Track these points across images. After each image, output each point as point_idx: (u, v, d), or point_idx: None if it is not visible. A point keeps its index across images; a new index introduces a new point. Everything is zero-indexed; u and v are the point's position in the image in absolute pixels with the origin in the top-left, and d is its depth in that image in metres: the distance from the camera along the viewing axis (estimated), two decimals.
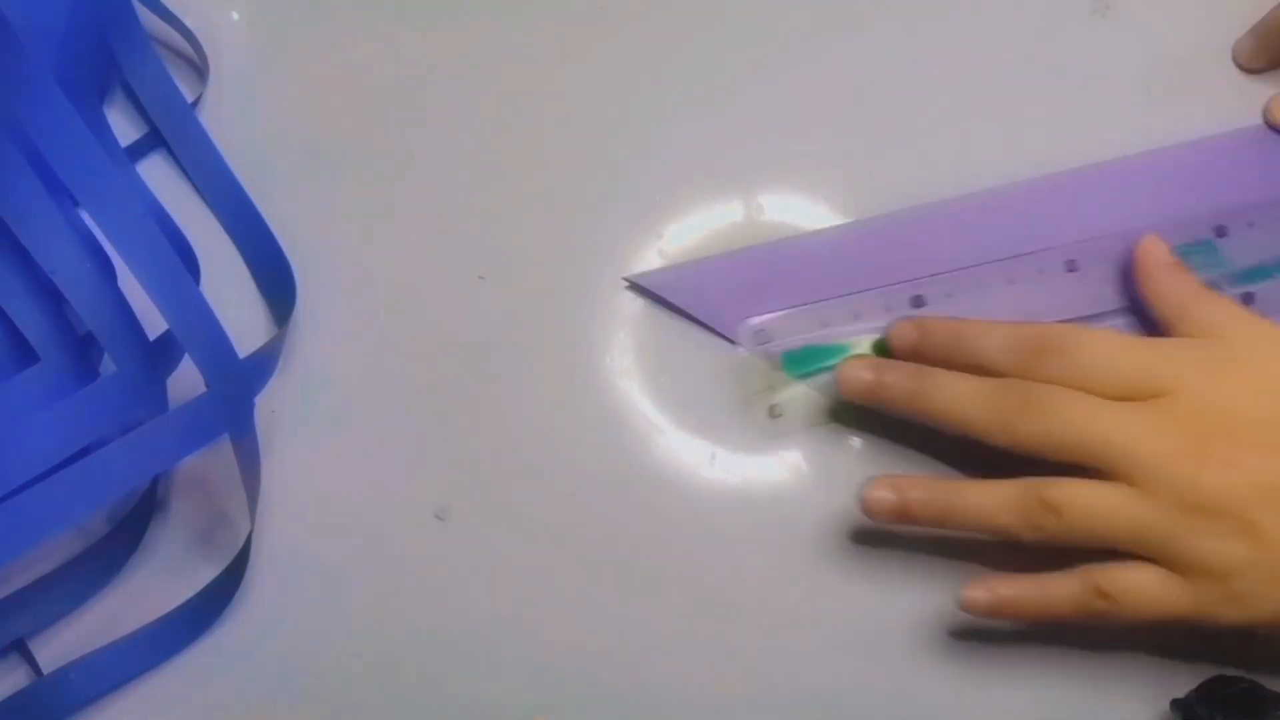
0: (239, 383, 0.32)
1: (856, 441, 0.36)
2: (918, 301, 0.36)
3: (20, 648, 0.34)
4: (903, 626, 0.34)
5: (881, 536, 0.35)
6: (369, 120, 0.39)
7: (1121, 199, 0.37)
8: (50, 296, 0.34)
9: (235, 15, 0.41)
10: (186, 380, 0.35)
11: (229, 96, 0.40)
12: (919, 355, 0.34)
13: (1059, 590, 0.31)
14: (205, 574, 0.34)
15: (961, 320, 0.34)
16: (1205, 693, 0.31)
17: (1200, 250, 0.36)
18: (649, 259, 0.38)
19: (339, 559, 0.35)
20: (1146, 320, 0.35)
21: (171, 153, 0.39)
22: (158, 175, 0.39)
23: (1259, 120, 0.38)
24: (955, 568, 0.34)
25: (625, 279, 0.37)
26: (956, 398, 0.32)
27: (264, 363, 0.34)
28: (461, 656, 0.34)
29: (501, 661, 0.34)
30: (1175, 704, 0.32)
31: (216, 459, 0.35)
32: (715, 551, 0.35)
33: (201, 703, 0.34)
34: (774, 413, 0.36)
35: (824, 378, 0.36)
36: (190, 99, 0.39)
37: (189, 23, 0.40)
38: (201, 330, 0.31)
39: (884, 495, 0.32)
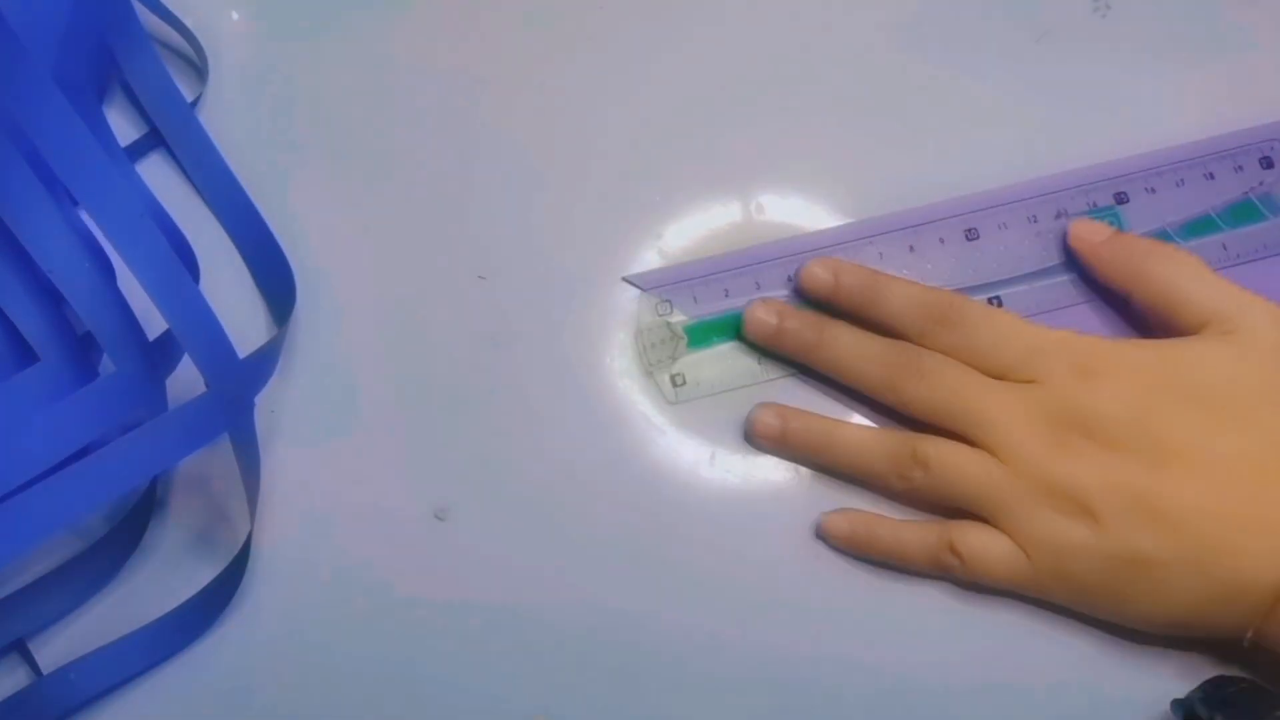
0: (239, 383, 0.32)
1: None
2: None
3: (20, 648, 0.34)
4: (903, 626, 0.34)
5: None
6: (369, 120, 0.39)
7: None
8: (50, 296, 0.34)
9: (235, 15, 0.41)
10: (186, 380, 0.35)
11: (229, 96, 0.40)
12: (829, 299, 0.35)
13: (915, 537, 0.34)
14: (205, 574, 0.34)
15: (873, 271, 0.36)
16: (1205, 693, 0.31)
17: (1103, 217, 0.37)
18: (649, 259, 0.38)
19: (339, 559, 0.35)
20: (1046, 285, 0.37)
21: (171, 153, 0.39)
22: (158, 175, 0.39)
23: (1251, 124, 0.38)
24: None
25: (625, 279, 0.37)
26: (851, 354, 0.35)
27: (264, 363, 0.34)
28: (461, 656, 0.34)
29: (501, 661, 0.34)
30: (1175, 704, 0.32)
31: (216, 459, 0.35)
32: (715, 551, 0.35)
33: (201, 703, 0.34)
34: (676, 381, 0.36)
35: (724, 347, 0.36)
36: (190, 99, 0.39)
37: (189, 23, 0.40)
38: (201, 330, 0.31)
39: (769, 419, 0.35)
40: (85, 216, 0.35)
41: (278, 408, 0.36)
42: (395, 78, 0.40)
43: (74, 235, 0.32)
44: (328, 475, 0.36)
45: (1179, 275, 0.34)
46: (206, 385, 0.31)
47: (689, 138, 0.39)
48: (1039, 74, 0.39)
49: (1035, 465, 0.32)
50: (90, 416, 0.31)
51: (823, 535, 0.35)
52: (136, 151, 0.39)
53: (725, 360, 0.36)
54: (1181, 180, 0.37)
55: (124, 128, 0.39)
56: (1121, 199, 0.37)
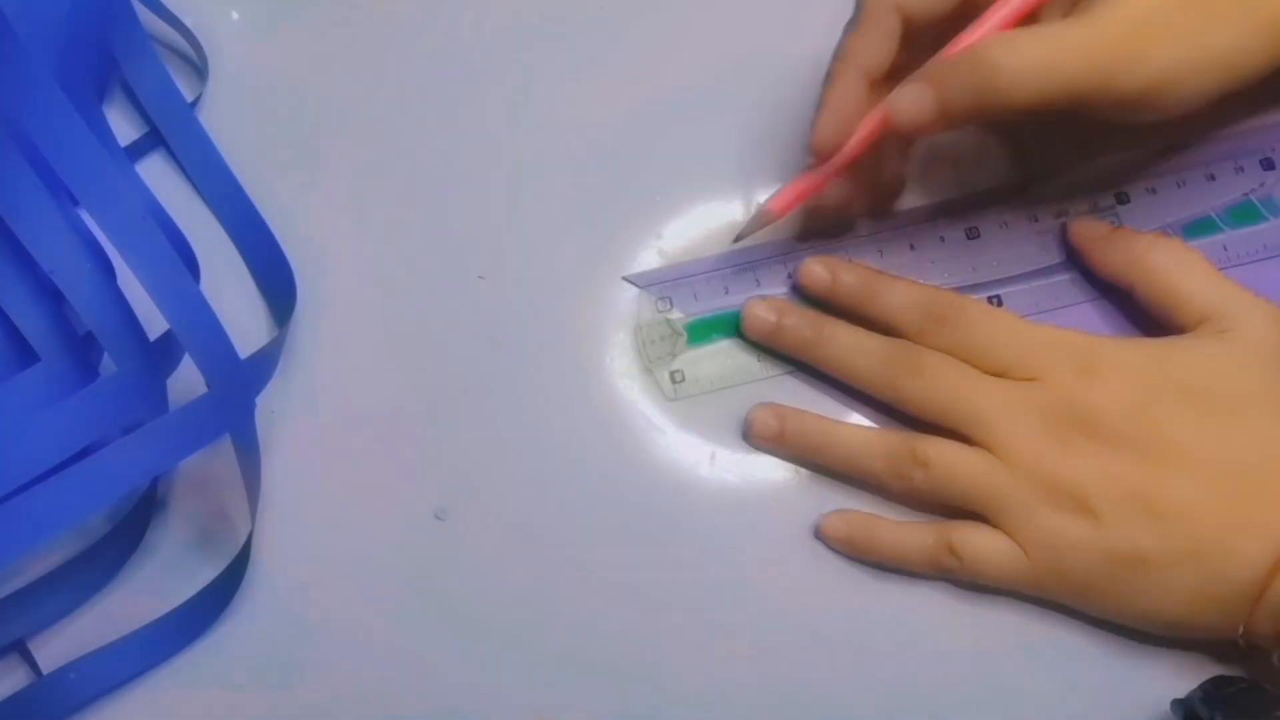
0: (240, 383, 0.32)
1: None
2: None
3: (20, 648, 0.34)
4: (902, 625, 0.34)
5: None
6: (369, 120, 0.39)
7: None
8: (50, 296, 0.34)
9: (235, 15, 0.41)
10: (187, 380, 0.35)
11: (229, 96, 0.40)
12: (828, 297, 0.35)
13: (913, 539, 0.34)
14: (205, 574, 0.34)
15: (872, 269, 0.36)
16: (1205, 693, 0.31)
17: (1103, 217, 0.37)
18: (649, 258, 0.38)
19: (339, 559, 0.35)
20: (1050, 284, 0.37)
21: (171, 153, 0.39)
22: (158, 175, 0.39)
23: (1252, 125, 0.38)
24: None
25: (625, 278, 0.37)
26: (850, 351, 0.35)
27: (264, 363, 0.34)
28: (461, 656, 0.34)
29: (501, 661, 0.34)
30: (1175, 704, 0.32)
31: (217, 459, 0.35)
32: (715, 551, 0.35)
33: (201, 703, 0.34)
34: (675, 378, 0.36)
35: (723, 344, 0.37)
36: (190, 99, 0.39)
37: (189, 23, 0.40)
38: (202, 330, 0.31)
39: (766, 419, 0.35)
40: (86, 216, 0.34)
41: (278, 408, 0.36)
42: (395, 77, 0.40)
43: (75, 235, 0.32)
44: (328, 475, 0.36)
45: (1179, 270, 0.34)
46: (208, 385, 0.31)
47: (689, 137, 0.39)
48: None
49: (1034, 463, 0.32)
50: (91, 417, 0.31)
51: (821, 537, 0.35)
52: (136, 151, 0.39)
53: (725, 357, 0.36)
54: (1182, 181, 0.37)
55: (124, 128, 0.39)
56: (1122, 198, 0.37)
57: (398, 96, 0.39)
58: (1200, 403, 0.32)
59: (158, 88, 0.39)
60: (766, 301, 0.36)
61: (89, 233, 0.34)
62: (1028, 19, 0.32)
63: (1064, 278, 0.36)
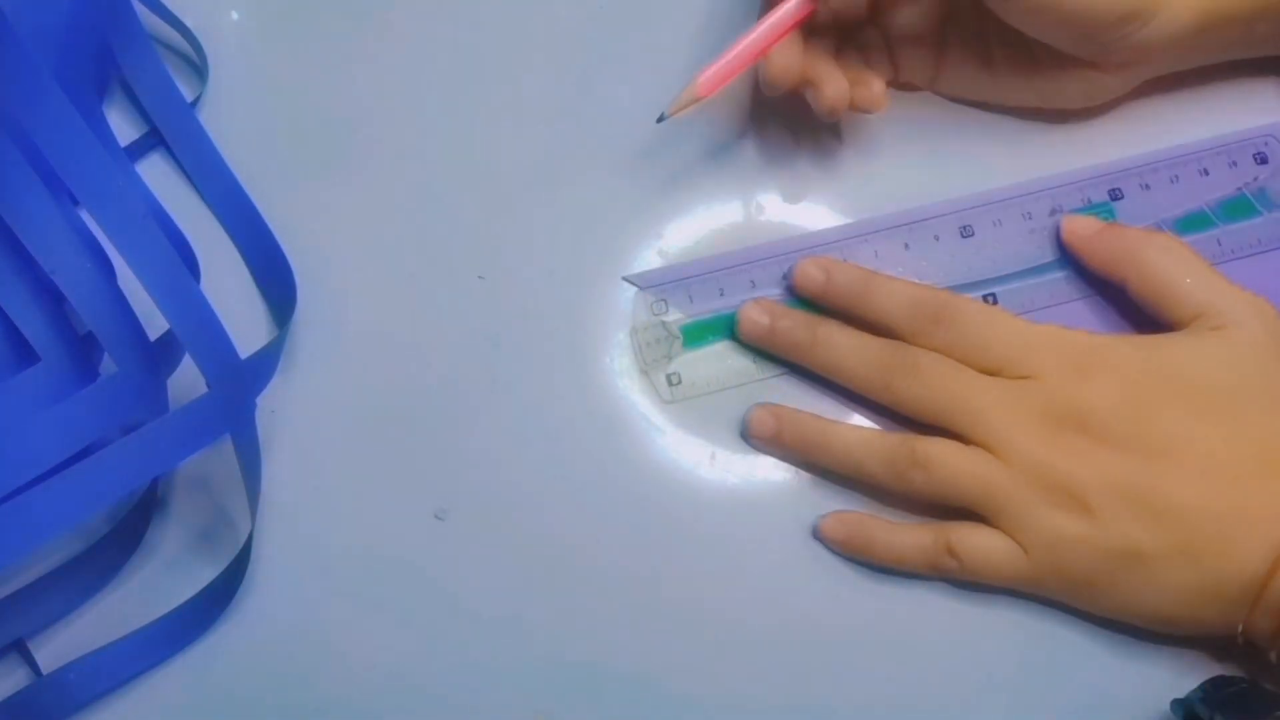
0: (240, 383, 0.32)
1: None
2: None
3: (20, 648, 0.34)
4: (903, 626, 0.34)
5: None
6: (369, 120, 0.39)
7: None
8: (50, 296, 0.34)
9: (235, 15, 0.41)
10: (187, 381, 0.35)
11: (229, 96, 0.40)
12: (822, 298, 0.36)
13: (911, 541, 0.34)
14: (205, 574, 0.34)
15: (866, 270, 0.36)
16: (1205, 693, 0.31)
17: (1097, 213, 0.37)
18: (649, 259, 0.38)
19: (339, 559, 0.35)
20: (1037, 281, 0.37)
21: (171, 153, 0.39)
22: (158, 175, 0.39)
23: (1246, 120, 0.38)
24: None
25: (625, 278, 0.37)
26: (844, 353, 0.35)
27: (265, 363, 0.34)
28: (461, 657, 0.34)
29: (501, 661, 0.34)
30: (1175, 704, 0.32)
31: (217, 459, 0.35)
32: (715, 551, 0.35)
33: (201, 703, 0.34)
34: (671, 381, 0.36)
35: (719, 346, 0.37)
36: (190, 99, 0.39)
37: (189, 23, 0.40)
38: (203, 330, 0.31)
39: (764, 419, 0.35)
40: (86, 216, 0.34)
41: (278, 408, 0.36)
42: (395, 77, 0.40)
43: (75, 235, 0.32)
44: (328, 475, 0.36)
45: (1172, 266, 0.34)
46: (208, 386, 0.31)
47: (690, 137, 0.39)
48: None
49: (1031, 461, 0.32)
50: (91, 417, 0.31)
51: (820, 539, 0.35)
52: (136, 151, 0.39)
53: (721, 359, 0.36)
54: (1176, 176, 0.37)
55: (124, 128, 0.39)
56: (1116, 195, 0.37)
57: (398, 96, 0.39)
58: (1195, 399, 0.32)
59: (158, 88, 0.39)
60: (760, 304, 0.36)
61: (89, 233, 0.34)
62: None
63: (1058, 275, 0.37)
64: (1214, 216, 0.37)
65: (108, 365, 0.35)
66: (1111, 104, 0.38)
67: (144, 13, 0.39)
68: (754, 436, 0.35)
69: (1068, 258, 0.36)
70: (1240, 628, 0.31)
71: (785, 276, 0.37)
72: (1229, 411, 0.32)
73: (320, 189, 0.38)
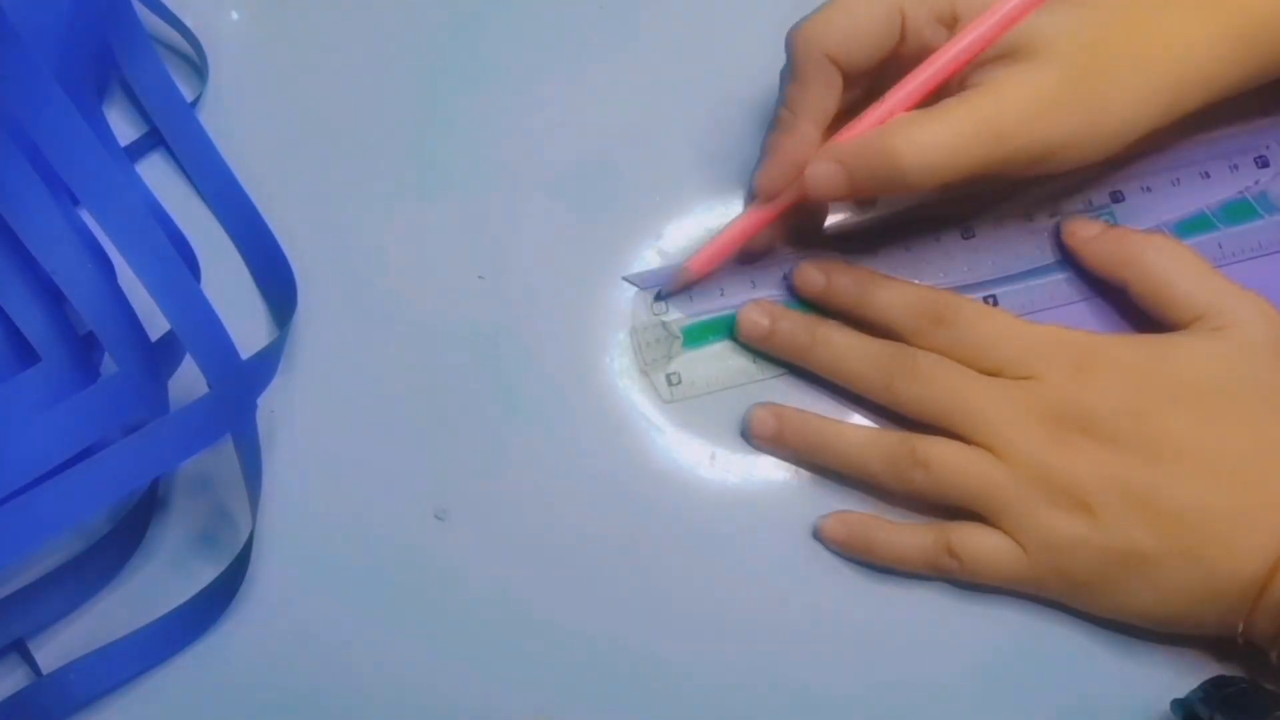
0: (241, 383, 0.32)
1: None
2: None
3: (20, 648, 0.34)
4: (903, 626, 0.34)
5: None
6: (369, 120, 0.39)
7: None
8: (51, 296, 0.34)
9: (235, 15, 0.41)
10: (188, 381, 0.35)
11: (229, 96, 0.40)
12: (823, 300, 0.36)
13: (912, 541, 0.34)
14: (205, 574, 0.34)
15: (867, 271, 0.36)
16: (1205, 692, 0.31)
17: (1098, 215, 0.37)
18: (648, 258, 0.38)
19: (339, 559, 0.35)
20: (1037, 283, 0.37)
21: (171, 153, 0.39)
22: (158, 175, 0.39)
23: (1247, 123, 0.38)
24: None
25: (625, 278, 0.37)
26: (845, 355, 0.35)
27: (266, 363, 0.34)
28: (461, 657, 0.34)
29: (501, 661, 0.34)
30: (1175, 704, 0.32)
31: (218, 459, 0.35)
32: (715, 551, 0.35)
33: (201, 703, 0.34)
34: (671, 381, 0.36)
35: (719, 346, 0.37)
36: (190, 99, 0.39)
37: (189, 23, 0.40)
38: (204, 331, 0.31)
39: (765, 419, 0.35)
40: (86, 216, 0.34)
41: (278, 408, 0.36)
42: (395, 77, 0.40)
43: (75, 235, 0.32)
44: (328, 475, 0.36)
45: (1172, 267, 0.34)
46: (209, 386, 0.31)
47: (690, 137, 0.39)
48: None
49: (1032, 461, 0.32)
50: (92, 417, 0.31)
51: (820, 539, 0.35)
52: (136, 151, 0.39)
53: (721, 359, 0.36)
54: (1177, 179, 0.37)
55: (124, 128, 0.39)
56: (1117, 197, 0.37)
57: (398, 96, 0.39)
58: (1196, 400, 0.32)
59: (158, 88, 0.39)
60: (760, 306, 0.36)
61: (89, 233, 0.34)
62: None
63: (1059, 277, 0.37)
64: (1215, 219, 0.37)
65: (108, 365, 0.35)
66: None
67: (144, 13, 0.39)
68: (755, 436, 0.35)
69: (1069, 259, 0.36)
70: (1240, 628, 0.31)
71: (786, 278, 0.37)
72: (1230, 412, 0.32)
73: (320, 189, 0.38)
